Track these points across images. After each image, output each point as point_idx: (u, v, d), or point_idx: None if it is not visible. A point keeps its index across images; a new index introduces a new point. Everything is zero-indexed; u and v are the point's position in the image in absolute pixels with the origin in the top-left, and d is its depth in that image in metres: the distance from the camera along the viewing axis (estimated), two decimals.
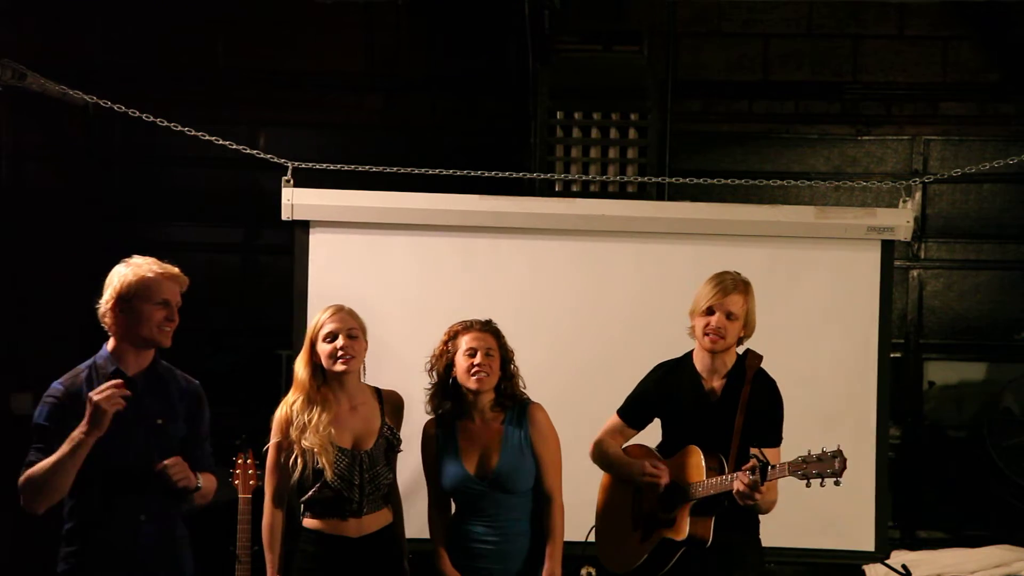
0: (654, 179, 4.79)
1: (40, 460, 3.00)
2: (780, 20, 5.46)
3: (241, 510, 3.89)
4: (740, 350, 3.49)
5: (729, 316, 3.41)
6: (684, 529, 3.33)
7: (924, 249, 5.46)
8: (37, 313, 5.09)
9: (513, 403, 3.54)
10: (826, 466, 3.04)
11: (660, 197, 4.89)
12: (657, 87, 4.99)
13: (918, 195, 5.41)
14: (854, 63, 5.46)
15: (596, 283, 4.54)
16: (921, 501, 5.30)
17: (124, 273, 3.10)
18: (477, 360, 3.46)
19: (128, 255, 3.22)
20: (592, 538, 3.74)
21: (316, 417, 3.37)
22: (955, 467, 5.30)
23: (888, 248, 4.51)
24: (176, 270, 3.17)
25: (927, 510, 5.32)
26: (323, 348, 3.42)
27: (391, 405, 3.55)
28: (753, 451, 3.18)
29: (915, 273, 5.46)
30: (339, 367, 3.40)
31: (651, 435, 3.65)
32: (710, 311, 3.42)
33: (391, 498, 3.56)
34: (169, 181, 5.52)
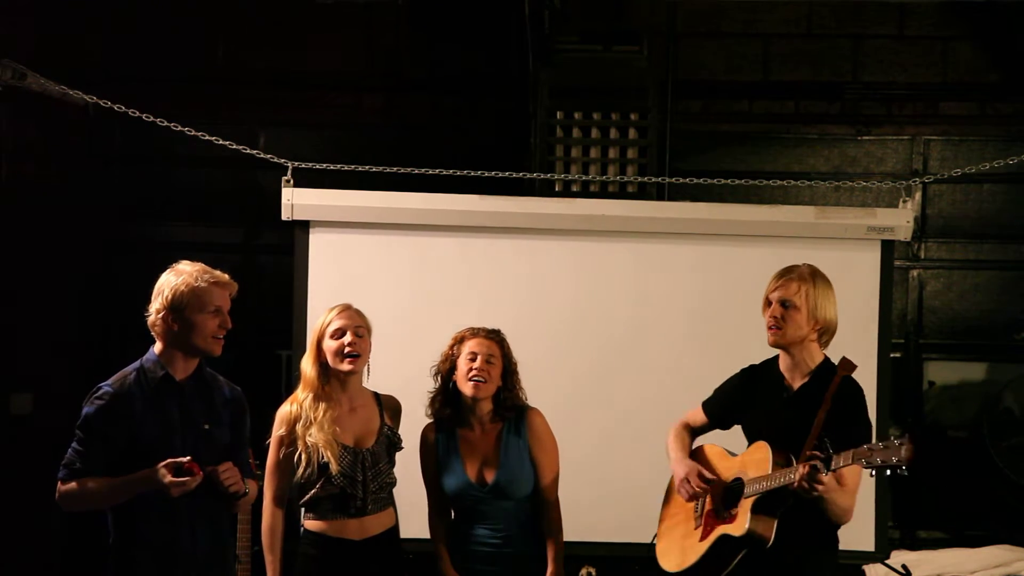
0: (654, 179, 4.79)
1: (80, 463, 2.95)
2: (780, 20, 5.46)
3: (241, 510, 3.88)
4: (833, 356, 3.27)
5: (785, 304, 3.22)
6: (744, 524, 3.13)
7: (924, 249, 5.45)
8: (37, 313, 5.08)
9: (512, 413, 3.54)
10: (891, 454, 2.80)
11: (660, 197, 4.89)
12: (657, 87, 4.99)
13: (918, 195, 5.40)
14: (854, 63, 5.46)
15: (596, 283, 4.54)
16: (921, 501, 5.29)
17: (175, 283, 3.02)
18: (477, 364, 3.45)
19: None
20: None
21: (321, 414, 3.37)
22: (955, 467, 5.30)
23: (888, 248, 4.52)
24: (226, 276, 3.10)
25: (927, 510, 5.32)
26: (330, 345, 3.41)
27: (390, 409, 3.56)
28: (814, 448, 2.99)
29: (915, 273, 5.45)
30: (346, 366, 3.40)
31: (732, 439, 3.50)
32: (768, 302, 3.26)
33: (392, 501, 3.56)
34: (169, 181, 5.52)
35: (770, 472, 3.13)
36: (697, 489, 3.28)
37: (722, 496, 3.30)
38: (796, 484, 2.99)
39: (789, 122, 5.50)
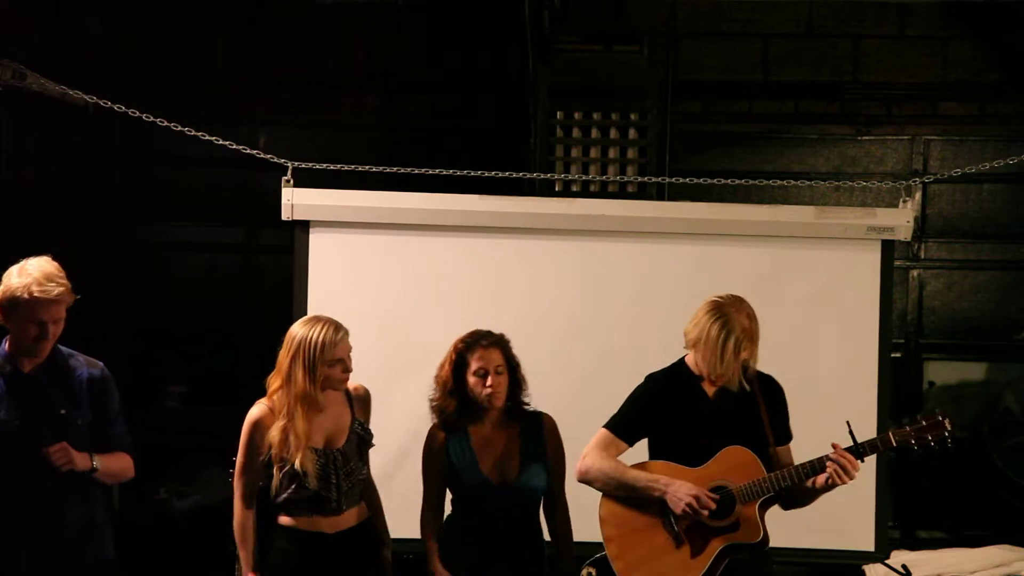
0: (654, 179, 4.79)
1: None
2: (780, 20, 5.47)
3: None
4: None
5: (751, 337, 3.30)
6: (759, 529, 3.18)
7: (924, 249, 5.46)
8: None
9: (521, 410, 3.55)
10: (940, 430, 3.06)
11: (660, 197, 4.90)
12: (657, 87, 5.00)
13: (918, 195, 5.41)
14: (854, 63, 5.47)
15: (596, 283, 4.53)
16: (921, 501, 5.29)
17: (8, 281, 3.09)
18: (489, 382, 3.44)
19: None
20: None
21: (297, 422, 3.32)
22: (955, 467, 5.30)
23: (888, 248, 4.51)
24: (55, 292, 3.10)
25: (927, 510, 5.32)
26: (329, 371, 3.34)
27: (359, 401, 3.51)
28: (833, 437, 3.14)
29: (915, 273, 5.46)
30: (341, 387, 3.41)
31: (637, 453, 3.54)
32: (752, 337, 3.28)
33: (367, 492, 3.53)
34: (169, 181, 5.52)
35: (770, 473, 3.19)
36: (712, 506, 3.20)
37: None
38: (831, 475, 3.10)
39: (789, 122, 5.51)
